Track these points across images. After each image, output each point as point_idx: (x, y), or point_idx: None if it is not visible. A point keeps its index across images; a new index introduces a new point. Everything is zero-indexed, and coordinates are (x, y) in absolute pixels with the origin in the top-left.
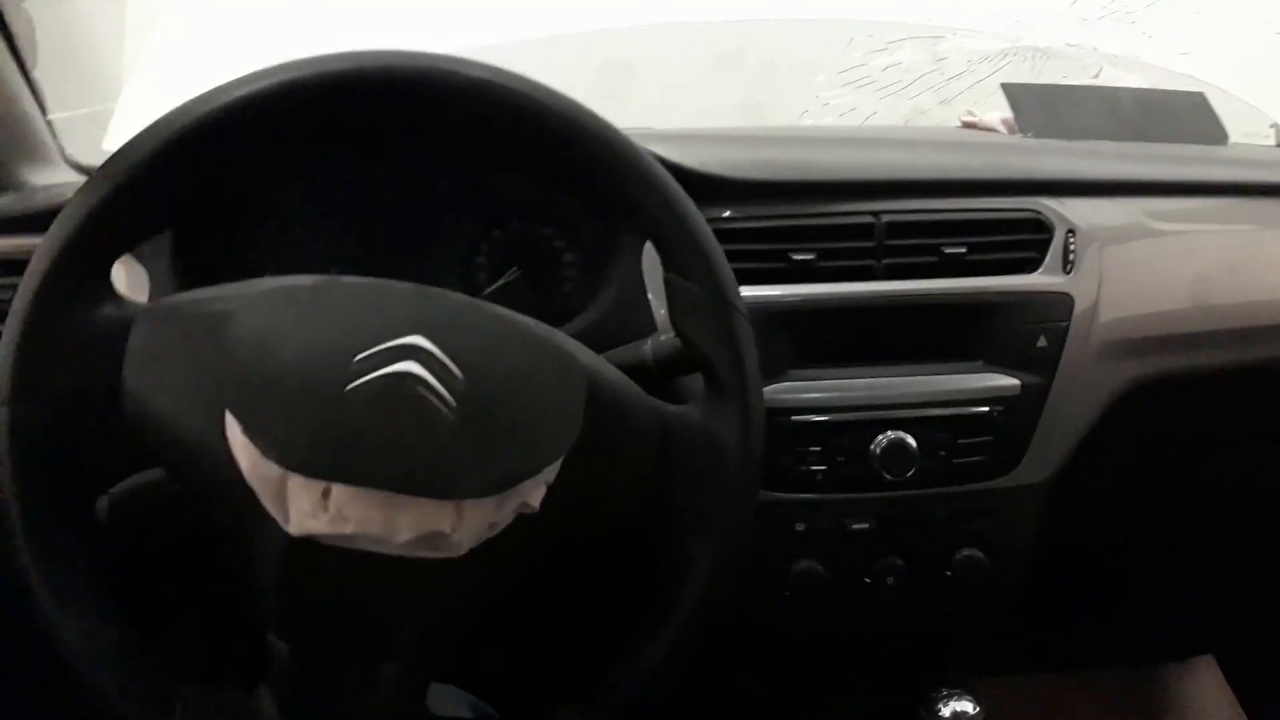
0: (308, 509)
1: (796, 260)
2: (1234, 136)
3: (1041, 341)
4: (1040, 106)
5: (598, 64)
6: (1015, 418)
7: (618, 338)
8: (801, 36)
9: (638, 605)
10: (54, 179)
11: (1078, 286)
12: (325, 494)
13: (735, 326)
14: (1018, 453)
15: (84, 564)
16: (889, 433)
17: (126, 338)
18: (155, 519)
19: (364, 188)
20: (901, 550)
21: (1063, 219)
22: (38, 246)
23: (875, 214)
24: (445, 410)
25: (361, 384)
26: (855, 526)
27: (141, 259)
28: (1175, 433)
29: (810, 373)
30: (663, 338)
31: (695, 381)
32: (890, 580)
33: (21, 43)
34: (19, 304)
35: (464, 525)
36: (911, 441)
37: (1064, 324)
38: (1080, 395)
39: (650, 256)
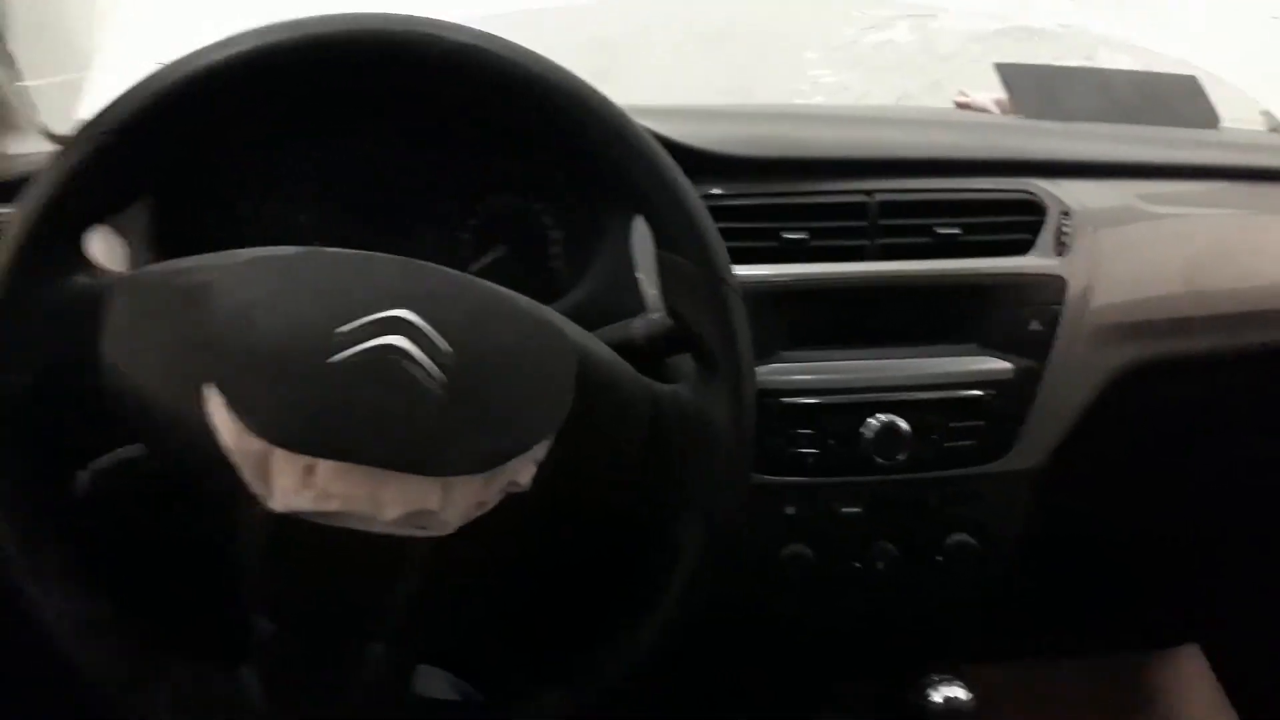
0: (291, 485)
1: (788, 239)
2: (1224, 121)
3: (1034, 324)
4: (1034, 87)
5: (582, 41)
6: (1008, 401)
7: (606, 317)
8: (791, 13)
9: (626, 585)
10: (27, 148)
11: (1071, 269)
12: (310, 469)
13: (728, 302)
14: (1010, 437)
15: (63, 540)
16: (880, 415)
17: (103, 308)
18: (136, 495)
19: (347, 159)
20: (892, 535)
21: (1056, 200)
22: (9, 215)
23: (869, 193)
24: (432, 385)
25: (345, 357)
26: (845, 510)
27: (120, 231)
28: (1167, 418)
29: (801, 354)
30: (653, 316)
31: (683, 363)
32: (880, 565)
33: None
34: None
35: (452, 503)
36: (903, 425)
37: (1057, 306)
38: (1073, 379)
39: (640, 235)
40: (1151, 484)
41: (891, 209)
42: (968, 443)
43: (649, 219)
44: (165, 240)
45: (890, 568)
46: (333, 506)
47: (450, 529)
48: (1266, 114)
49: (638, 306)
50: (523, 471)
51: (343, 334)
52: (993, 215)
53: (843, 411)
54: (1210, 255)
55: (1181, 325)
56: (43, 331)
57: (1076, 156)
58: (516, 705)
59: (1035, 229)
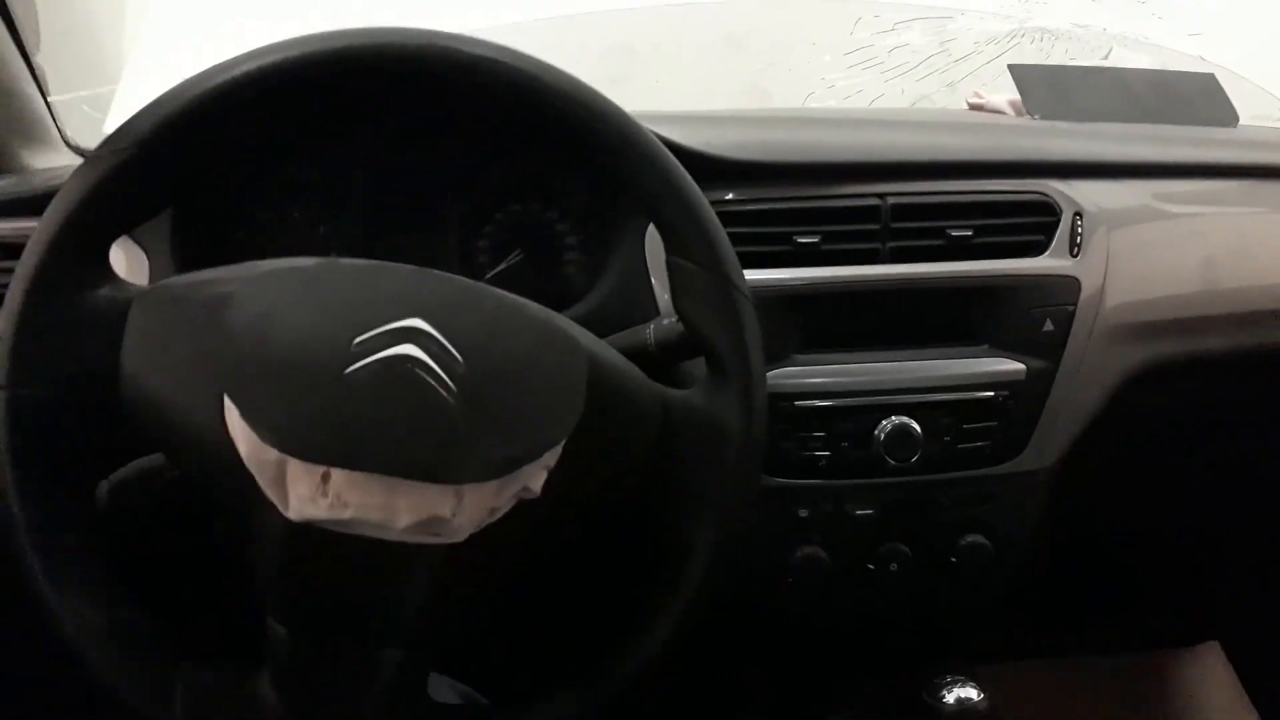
0: (307, 494)
1: (800, 243)
2: (1244, 119)
3: (1048, 325)
4: (1048, 88)
5: (601, 47)
6: (1020, 403)
7: (620, 323)
8: (807, 18)
9: (636, 589)
10: (54, 162)
11: (1085, 270)
12: (324, 478)
13: (738, 308)
14: (1023, 438)
15: (83, 550)
16: (893, 418)
17: (125, 320)
18: (155, 505)
19: (365, 170)
20: (905, 536)
21: (1070, 201)
22: (35, 228)
23: (881, 196)
24: (445, 394)
25: (360, 367)
26: (858, 512)
27: (141, 243)
28: (1181, 419)
29: (814, 357)
30: (665, 322)
31: (697, 367)
32: (893, 567)
33: (23, 25)
34: (16, 287)
35: (464, 510)
36: (916, 427)
37: (1070, 308)
38: (1086, 380)
39: (653, 241)
40: (1166, 483)
41: (904, 212)
42: (981, 444)
43: (659, 225)
44: (186, 252)
45: (903, 569)
46: (347, 515)
47: (463, 536)
48: None
49: (651, 312)
50: (535, 478)
51: (359, 344)
52: (1006, 217)
53: (855, 414)
54: (1227, 254)
55: (1197, 325)
56: (65, 343)
57: (1091, 157)
58: (528, 708)
59: (1049, 230)
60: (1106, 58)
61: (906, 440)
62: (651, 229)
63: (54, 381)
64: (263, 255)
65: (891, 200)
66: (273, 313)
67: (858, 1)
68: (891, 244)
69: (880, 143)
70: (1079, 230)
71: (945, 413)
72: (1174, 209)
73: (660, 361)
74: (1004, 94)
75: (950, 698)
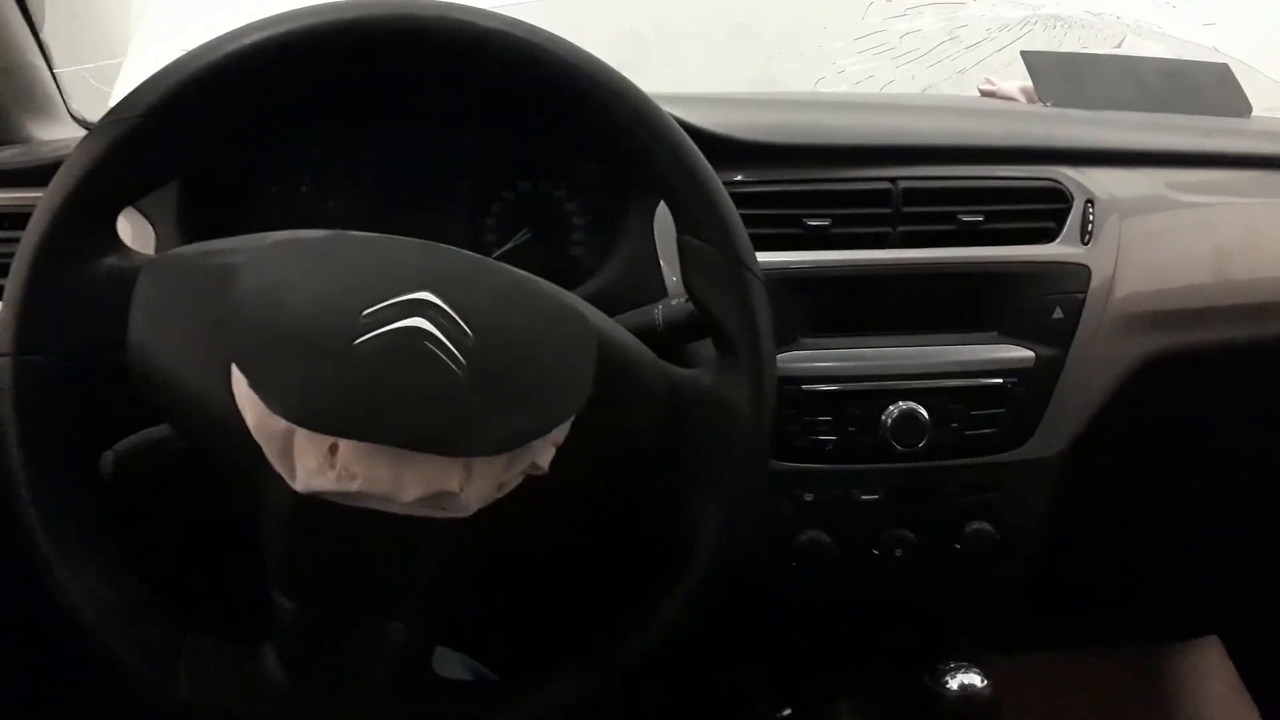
0: (314, 465)
1: (811, 226)
2: (1257, 110)
3: (1057, 313)
4: (1060, 75)
5: (611, 33)
6: (1029, 390)
7: (627, 303)
8: (819, 2)
9: (644, 567)
10: (60, 134)
11: (1095, 257)
12: (332, 450)
13: (749, 288)
14: (1030, 425)
15: (88, 520)
16: (900, 403)
17: (132, 290)
18: (161, 476)
19: (373, 144)
20: (910, 522)
21: (1082, 189)
22: (40, 197)
23: (892, 180)
24: (454, 367)
25: (369, 339)
26: (864, 497)
27: (147, 214)
28: (1189, 409)
29: (822, 341)
30: (673, 302)
31: (704, 349)
32: (898, 552)
33: None
34: (23, 255)
35: (472, 484)
36: (923, 412)
37: (1080, 295)
38: (1095, 368)
39: (662, 220)
40: (1172, 474)
41: (915, 196)
42: (988, 431)
43: (671, 203)
44: (192, 224)
45: (908, 555)
46: (354, 487)
47: (470, 510)
48: None
49: (660, 291)
50: (542, 454)
51: (367, 316)
52: (1017, 203)
53: (863, 398)
54: (1239, 244)
55: (1207, 314)
56: (72, 313)
57: (1103, 145)
58: (537, 686)
59: (1060, 217)
60: (1120, 46)
61: (914, 426)
62: (661, 209)
63: (60, 350)
64: (270, 228)
65: (903, 184)
66: (282, 283)
67: None
68: (902, 228)
69: (892, 126)
70: (1090, 218)
71: (953, 399)
72: (1186, 198)
73: (668, 342)
74: (1016, 81)
75: (954, 684)
